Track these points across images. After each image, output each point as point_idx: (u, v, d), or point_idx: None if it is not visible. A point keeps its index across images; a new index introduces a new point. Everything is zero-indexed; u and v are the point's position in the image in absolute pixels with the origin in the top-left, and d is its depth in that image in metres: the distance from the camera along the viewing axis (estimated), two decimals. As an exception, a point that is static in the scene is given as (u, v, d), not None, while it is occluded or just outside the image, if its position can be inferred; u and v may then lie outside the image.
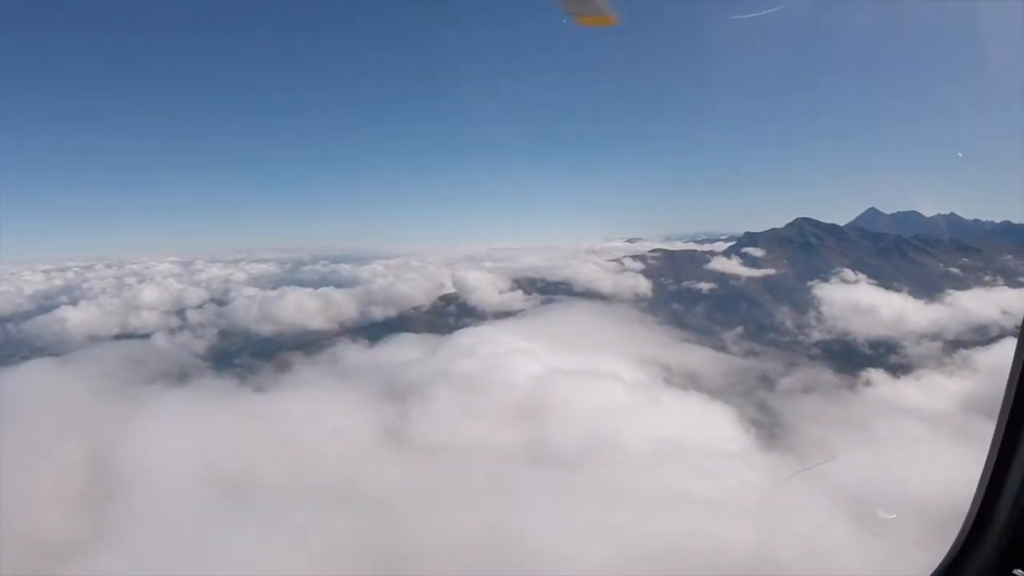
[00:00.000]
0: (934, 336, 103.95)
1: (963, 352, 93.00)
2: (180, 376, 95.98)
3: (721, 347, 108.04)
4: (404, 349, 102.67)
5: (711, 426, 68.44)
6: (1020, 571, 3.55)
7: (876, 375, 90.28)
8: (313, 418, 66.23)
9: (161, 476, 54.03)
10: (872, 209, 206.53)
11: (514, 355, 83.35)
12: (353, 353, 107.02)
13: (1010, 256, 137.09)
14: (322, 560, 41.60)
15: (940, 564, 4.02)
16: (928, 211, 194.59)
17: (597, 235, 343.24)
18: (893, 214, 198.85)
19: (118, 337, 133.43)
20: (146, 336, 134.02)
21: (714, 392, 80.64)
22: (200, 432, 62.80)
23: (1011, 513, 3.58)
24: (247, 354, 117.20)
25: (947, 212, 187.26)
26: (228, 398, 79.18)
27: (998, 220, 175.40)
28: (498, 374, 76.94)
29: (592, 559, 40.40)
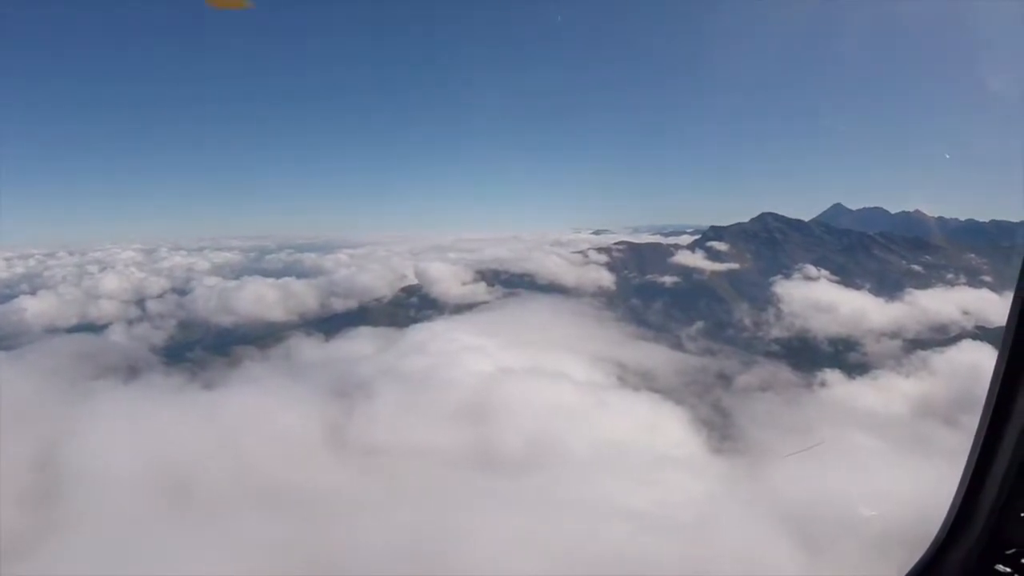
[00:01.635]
0: (893, 335, 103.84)
1: (921, 353, 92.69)
2: (131, 371, 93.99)
3: (679, 344, 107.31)
4: (359, 344, 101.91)
5: (660, 429, 67.74)
6: (1002, 566, 3.55)
7: (833, 375, 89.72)
8: (255, 417, 65.06)
9: (100, 475, 53.19)
10: (838, 205, 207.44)
11: (466, 353, 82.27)
12: (308, 348, 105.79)
13: (973, 255, 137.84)
14: (249, 559, 40.79)
15: (921, 558, 4.02)
16: (893, 208, 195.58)
17: (565, 226, 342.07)
18: (859, 210, 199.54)
19: (75, 328, 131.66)
20: (103, 327, 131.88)
21: (668, 392, 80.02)
22: (141, 431, 61.60)
23: (993, 509, 3.57)
24: (201, 348, 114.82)
25: (912, 209, 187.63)
26: (174, 396, 77.47)
27: (962, 218, 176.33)
28: (448, 372, 76.00)
29: (516, 569, 39.62)
